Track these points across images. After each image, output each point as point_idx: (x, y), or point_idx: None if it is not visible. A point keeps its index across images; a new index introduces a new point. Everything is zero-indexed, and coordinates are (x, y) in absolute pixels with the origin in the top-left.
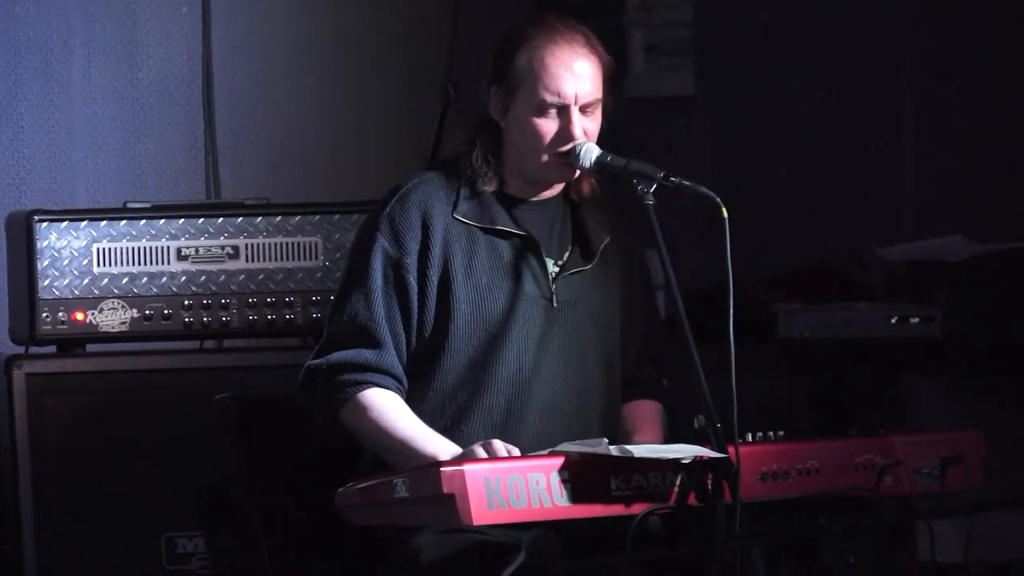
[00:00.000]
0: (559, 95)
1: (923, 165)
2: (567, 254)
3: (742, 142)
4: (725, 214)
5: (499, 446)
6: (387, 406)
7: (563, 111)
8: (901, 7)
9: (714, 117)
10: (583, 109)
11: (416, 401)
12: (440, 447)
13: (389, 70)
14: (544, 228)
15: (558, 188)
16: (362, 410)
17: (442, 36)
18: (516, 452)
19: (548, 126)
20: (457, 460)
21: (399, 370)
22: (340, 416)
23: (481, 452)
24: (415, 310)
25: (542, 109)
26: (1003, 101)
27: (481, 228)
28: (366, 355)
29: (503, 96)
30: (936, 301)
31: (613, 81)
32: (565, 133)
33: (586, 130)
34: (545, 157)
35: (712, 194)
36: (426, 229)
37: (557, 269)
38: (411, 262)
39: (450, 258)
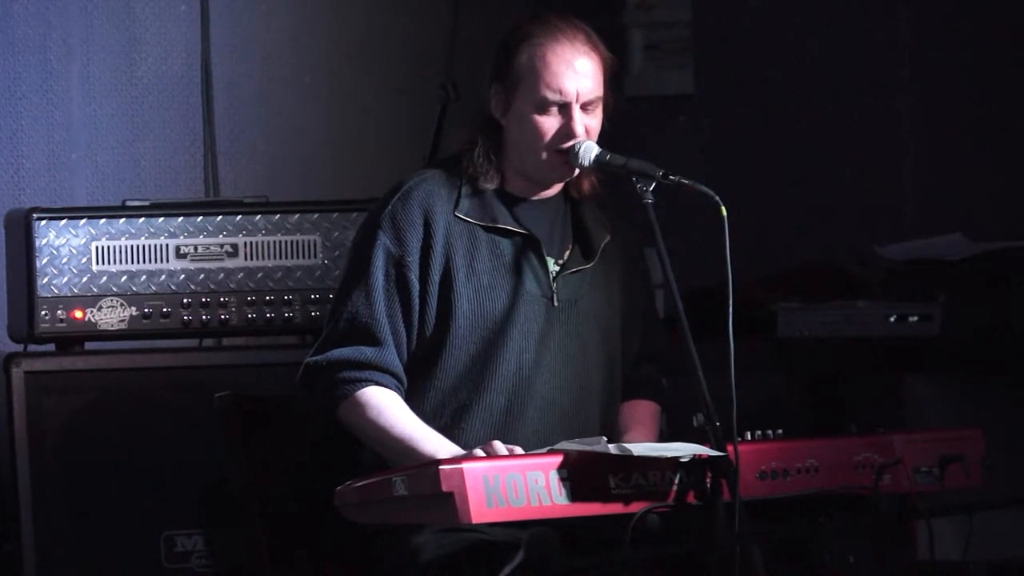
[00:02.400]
0: (561, 92)
1: (923, 164)
2: (567, 253)
3: (742, 141)
4: (724, 213)
5: (499, 447)
6: (386, 404)
7: (564, 108)
8: (901, 6)
9: (714, 116)
10: (584, 107)
11: (416, 399)
12: (439, 446)
13: (389, 69)
14: (545, 227)
15: (559, 186)
16: (361, 408)
17: (442, 36)
18: (519, 451)
19: (549, 123)
20: (456, 458)
21: (399, 369)
22: (339, 413)
23: (481, 455)
24: (416, 308)
25: (543, 107)
26: (1003, 100)
27: (483, 226)
28: (366, 353)
29: (504, 94)
30: (935, 300)
31: (614, 79)
32: (566, 130)
33: (587, 127)
34: (546, 155)
35: (711, 193)
36: (428, 227)
37: (558, 268)
38: (413, 260)
39: (452, 256)
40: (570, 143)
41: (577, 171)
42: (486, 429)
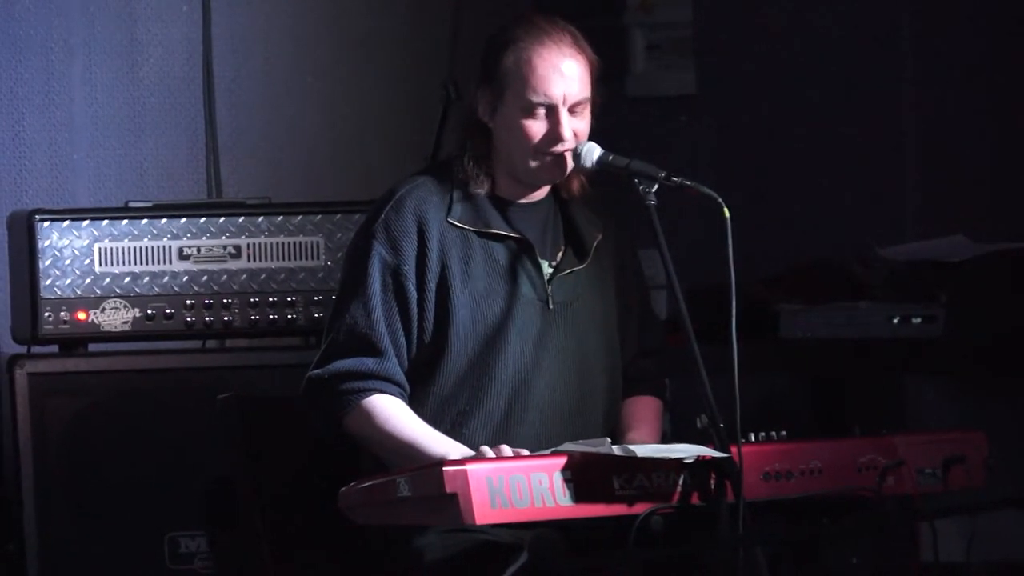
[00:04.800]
0: (547, 96)
1: (924, 165)
2: (560, 254)
3: (743, 141)
4: (727, 214)
5: (506, 451)
6: (392, 411)
7: (551, 112)
8: (902, 6)
9: (715, 116)
10: (572, 109)
11: (416, 406)
12: (448, 448)
13: (389, 69)
14: (537, 229)
15: (548, 188)
16: (367, 416)
17: (443, 35)
18: (524, 454)
19: (537, 127)
20: (460, 460)
21: (401, 377)
22: (345, 424)
23: (489, 453)
24: (415, 316)
25: (530, 111)
26: (1004, 100)
27: (476, 232)
28: (368, 363)
29: (491, 98)
30: (938, 301)
31: (601, 80)
32: (554, 134)
33: (576, 130)
34: (534, 158)
35: (714, 194)
36: (422, 235)
37: (551, 270)
38: (409, 269)
39: (447, 263)
40: (560, 147)
41: (567, 172)
42: (487, 434)
